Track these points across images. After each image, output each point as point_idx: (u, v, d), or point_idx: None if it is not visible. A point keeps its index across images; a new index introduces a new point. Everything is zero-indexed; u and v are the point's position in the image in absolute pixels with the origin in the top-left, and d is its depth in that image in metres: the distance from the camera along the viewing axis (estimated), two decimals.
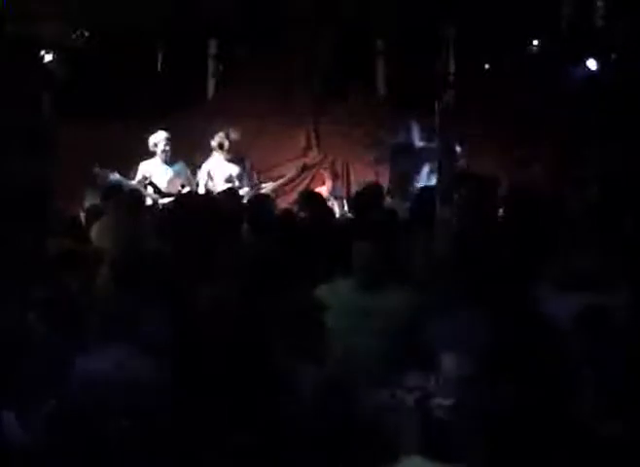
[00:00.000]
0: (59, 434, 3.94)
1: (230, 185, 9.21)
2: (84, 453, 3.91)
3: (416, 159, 9.55)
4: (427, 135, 9.50)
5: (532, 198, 6.59)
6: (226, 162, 9.49)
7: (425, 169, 9.35)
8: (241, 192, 8.89)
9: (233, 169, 9.47)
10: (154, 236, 6.76)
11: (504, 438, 3.79)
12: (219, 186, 9.31)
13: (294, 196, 9.15)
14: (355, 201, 7.75)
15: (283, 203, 9.24)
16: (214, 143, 9.50)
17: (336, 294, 5.15)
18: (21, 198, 7.92)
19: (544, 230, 6.02)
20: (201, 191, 9.33)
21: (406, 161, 9.62)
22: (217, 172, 9.44)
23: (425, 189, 7.94)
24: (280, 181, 10.00)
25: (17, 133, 8.90)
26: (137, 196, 8.16)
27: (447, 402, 3.54)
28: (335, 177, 10.09)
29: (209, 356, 4.37)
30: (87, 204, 8.62)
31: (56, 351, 4.28)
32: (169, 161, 9.33)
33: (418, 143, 9.65)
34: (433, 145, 9.11)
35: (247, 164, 9.66)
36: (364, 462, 3.79)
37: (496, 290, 5.21)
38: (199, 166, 9.73)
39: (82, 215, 8.04)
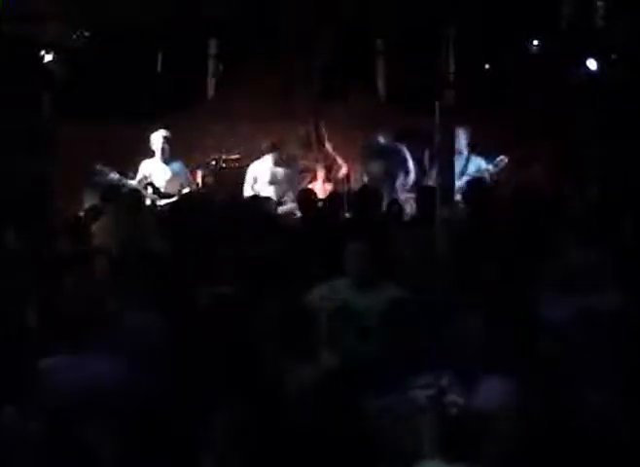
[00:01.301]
0: (57, 433, 3.94)
1: (274, 187, 9.26)
2: (80, 453, 3.91)
3: (382, 157, 9.70)
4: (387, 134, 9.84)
5: (532, 198, 6.59)
6: (273, 165, 9.47)
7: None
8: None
9: (280, 172, 9.46)
10: (154, 236, 6.76)
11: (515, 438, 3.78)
12: (263, 188, 9.32)
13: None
14: (354, 201, 7.75)
15: None
16: (264, 146, 9.49)
17: (334, 293, 5.17)
18: (21, 198, 7.94)
19: (544, 230, 6.02)
20: (247, 193, 9.31)
21: (376, 161, 9.74)
22: (262, 175, 9.43)
23: (425, 189, 7.94)
24: None
25: (17, 133, 8.93)
26: (137, 196, 8.18)
27: (461, 400, 3.50)
28: (334, 177, 10.09)
29: (208, 356, 4.37)
30: (86, 204, 8.63)
31: (54, 351, 4.28)
32: (168, 161, 9.32)
33: (381, 141, 9.81)
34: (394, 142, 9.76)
35: (295, 168, 9.70)
36: (372, 464, 3.78)
37: (496, 290, 5.22)
38: (199, 166, 9.73)
39: (82, 215, 8.04)
